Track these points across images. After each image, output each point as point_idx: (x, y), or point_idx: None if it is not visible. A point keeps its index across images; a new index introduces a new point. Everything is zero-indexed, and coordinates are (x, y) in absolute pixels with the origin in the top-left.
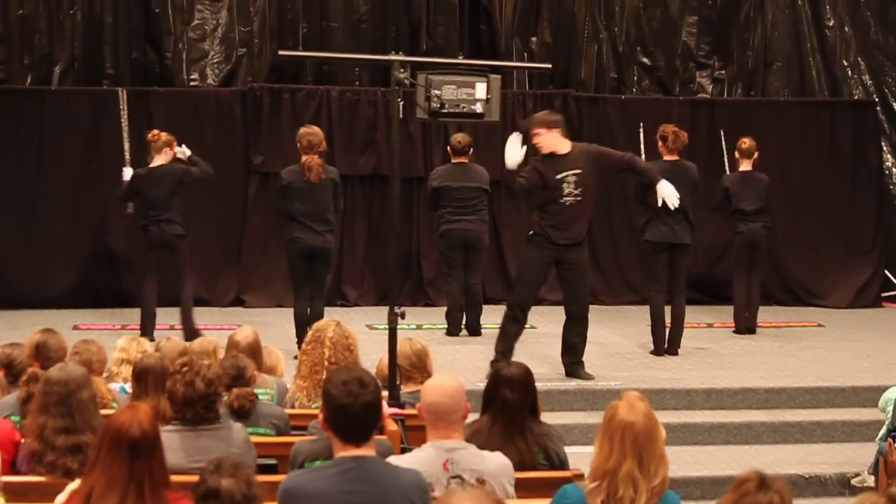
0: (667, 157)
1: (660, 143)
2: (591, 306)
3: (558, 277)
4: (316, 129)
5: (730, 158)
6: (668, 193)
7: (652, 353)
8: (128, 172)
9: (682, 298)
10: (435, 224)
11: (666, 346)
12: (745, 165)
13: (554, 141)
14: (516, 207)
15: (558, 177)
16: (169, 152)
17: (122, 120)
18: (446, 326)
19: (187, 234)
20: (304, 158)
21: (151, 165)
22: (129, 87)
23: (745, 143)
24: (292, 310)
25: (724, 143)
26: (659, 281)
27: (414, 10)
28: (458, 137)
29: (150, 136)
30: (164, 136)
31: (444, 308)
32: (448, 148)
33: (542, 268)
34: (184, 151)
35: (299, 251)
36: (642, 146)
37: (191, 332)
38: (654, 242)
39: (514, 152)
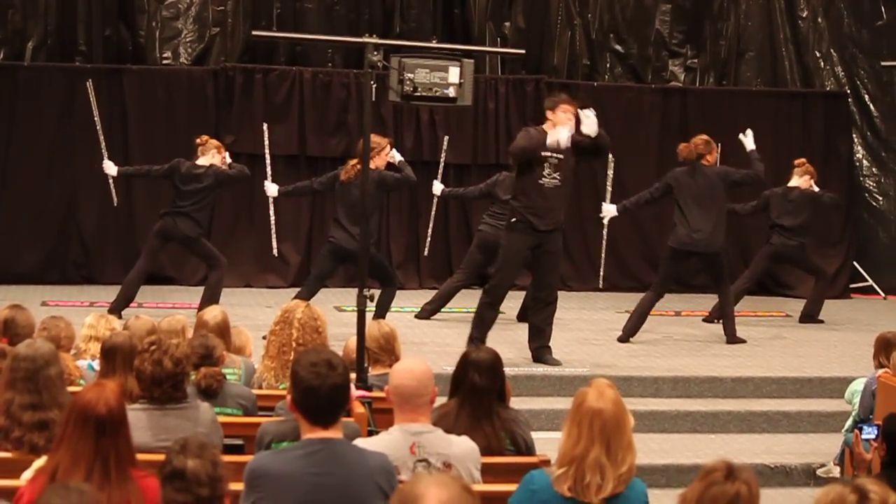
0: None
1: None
2: (559, 292)
3: (533, 262)
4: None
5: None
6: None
7: (618, 339)
8: (109, 166)
9: (728, 288)
10: (409, 208)
11: (622, 332)
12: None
13: (561, 126)
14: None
15: (543, 153)
16: (217, 156)
17: (94, 112)
18: (418, 309)
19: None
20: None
21: (196, 162)
22: (101, 63)
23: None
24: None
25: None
26: (664, 283)
27: None
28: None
29: (197, 140)
30: (212, 141)
31: (413, 291)
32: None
33: (524, 255)
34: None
35: (333, 250)
36: None
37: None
38: (674, 249)
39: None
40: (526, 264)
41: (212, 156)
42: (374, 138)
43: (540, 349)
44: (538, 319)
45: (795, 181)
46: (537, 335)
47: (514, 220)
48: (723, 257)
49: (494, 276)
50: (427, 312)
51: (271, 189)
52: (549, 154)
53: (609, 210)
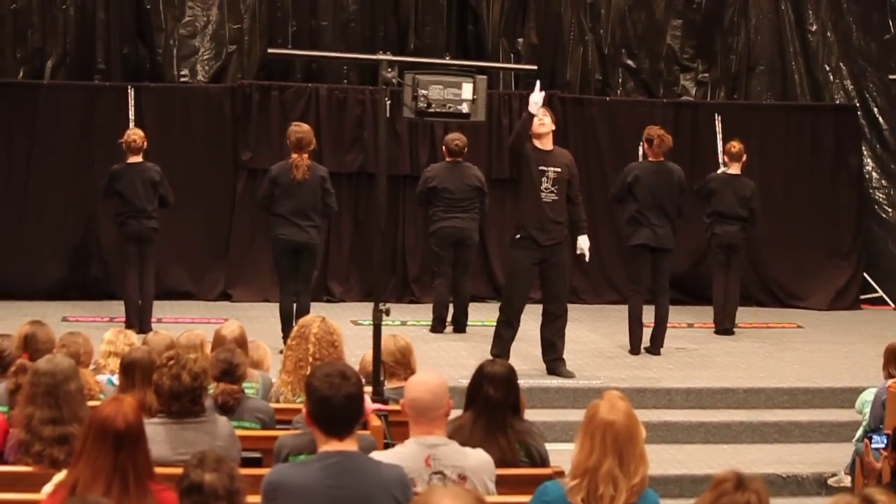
0: (651, 159)
1: (645, 146)
2: (573, 305)
3: (540, 276)
4: (306, 127)
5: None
6: (583, 246)
7: (630, 352)
8: None
9: (666, 298)
10: (424, 222)
11: (649, 345)
12: (734, 169)
13: (545, 133)
14: (501, 206)
15: (540, 167)
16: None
17: (130, 117)
18: (431, 323)
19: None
20: (292, 157)
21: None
22: (120, 81)
23: (735, 146)
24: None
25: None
26: (639, 282)
27: (402, 9)
28: (455, 139)
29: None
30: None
31: (429, 305)
32: (443, 147)
33: (531, 270)
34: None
35: (284, 247)
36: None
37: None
38: (636, 245)
39: (537, 95)
40: (534, 279)
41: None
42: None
43: (553, 362)
44: (549, 333)
45: (736, 169)
46: (550, 348)
47: (517, 236)
48: None
49: (505, 294)
50: (458, 325)
51: None
52: (547, 168)
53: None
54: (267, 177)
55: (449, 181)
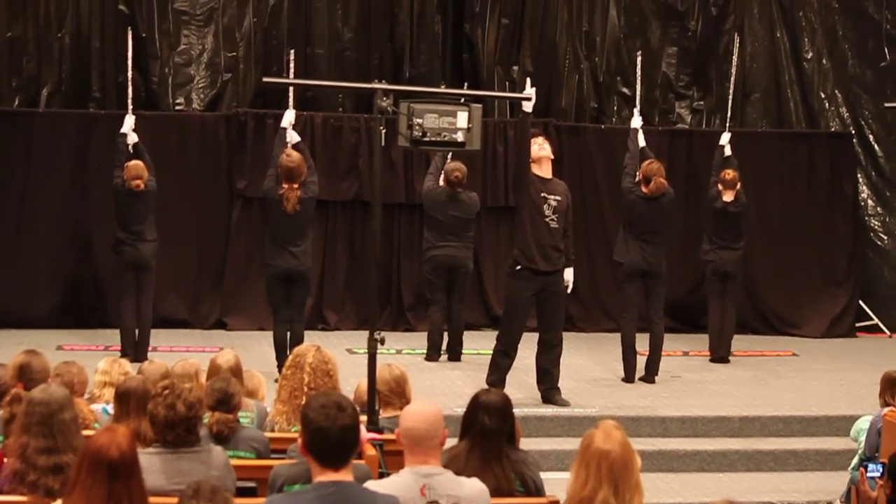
0: (646, 193)
1: (642, 184)
2: (568, 333)
3: (537, 305)
4: (297, 156)
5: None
6: (568, 279)
7: (623, 380)
8: (128, 120)
9: (661, 326)
10: (419, 249)
11: (644, 373)
12: (728, 196)
13: (545, 157)
14: (496, 234)
15: (542, 194)
16: None
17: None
18: (426, 351)
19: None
20: (283, 187)
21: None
22: (115, 109)
23: (729, 174)
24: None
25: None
26: (630, 308)
27: (397, 38)
28: (455, 170)
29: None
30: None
31: (424, 333)
32: (442, 177)
33: (530, 301)
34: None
35: (277, 275)
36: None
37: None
38: (627, 267)
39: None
40: (532, 309)
41: None
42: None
43: (548, 391)
44: (545, 361)
45: (730, 196)
46: (545, 377)
47: (517, 267)
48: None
49: (503, 324)
50: (453, 353)
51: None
52: (547, 195)
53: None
54: (264, 196)
55: (447, 208)
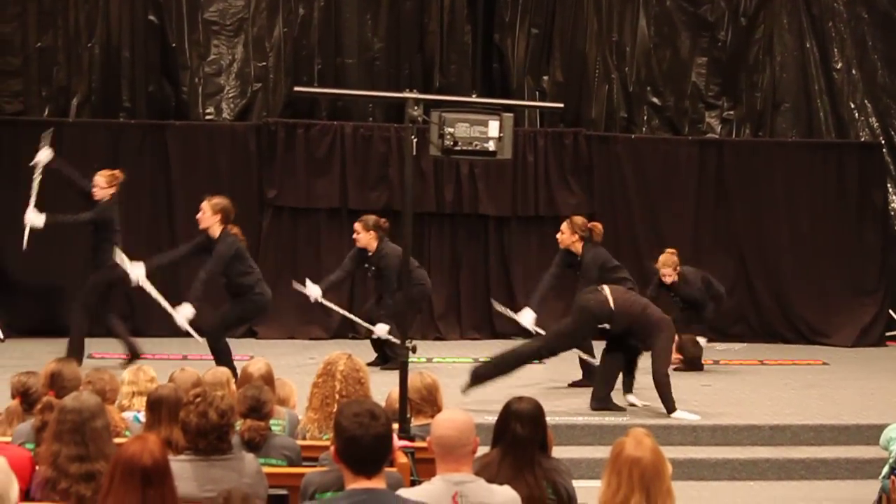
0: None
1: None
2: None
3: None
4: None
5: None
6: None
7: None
8: (35, 217)
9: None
10: (448, 258)
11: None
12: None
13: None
14: (527, 243)
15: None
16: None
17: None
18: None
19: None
20: (234, 229)
21: None
22: (145, 119)
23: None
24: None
25: None
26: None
27: (427, 48)
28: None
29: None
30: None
31: (455, 342)
32: None
33: (595, 330)
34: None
35: (264, 305)
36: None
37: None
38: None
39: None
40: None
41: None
42: None
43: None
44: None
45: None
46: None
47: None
48: None
49: (558, 335)
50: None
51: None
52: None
53: (528, 318)
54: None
55: None
